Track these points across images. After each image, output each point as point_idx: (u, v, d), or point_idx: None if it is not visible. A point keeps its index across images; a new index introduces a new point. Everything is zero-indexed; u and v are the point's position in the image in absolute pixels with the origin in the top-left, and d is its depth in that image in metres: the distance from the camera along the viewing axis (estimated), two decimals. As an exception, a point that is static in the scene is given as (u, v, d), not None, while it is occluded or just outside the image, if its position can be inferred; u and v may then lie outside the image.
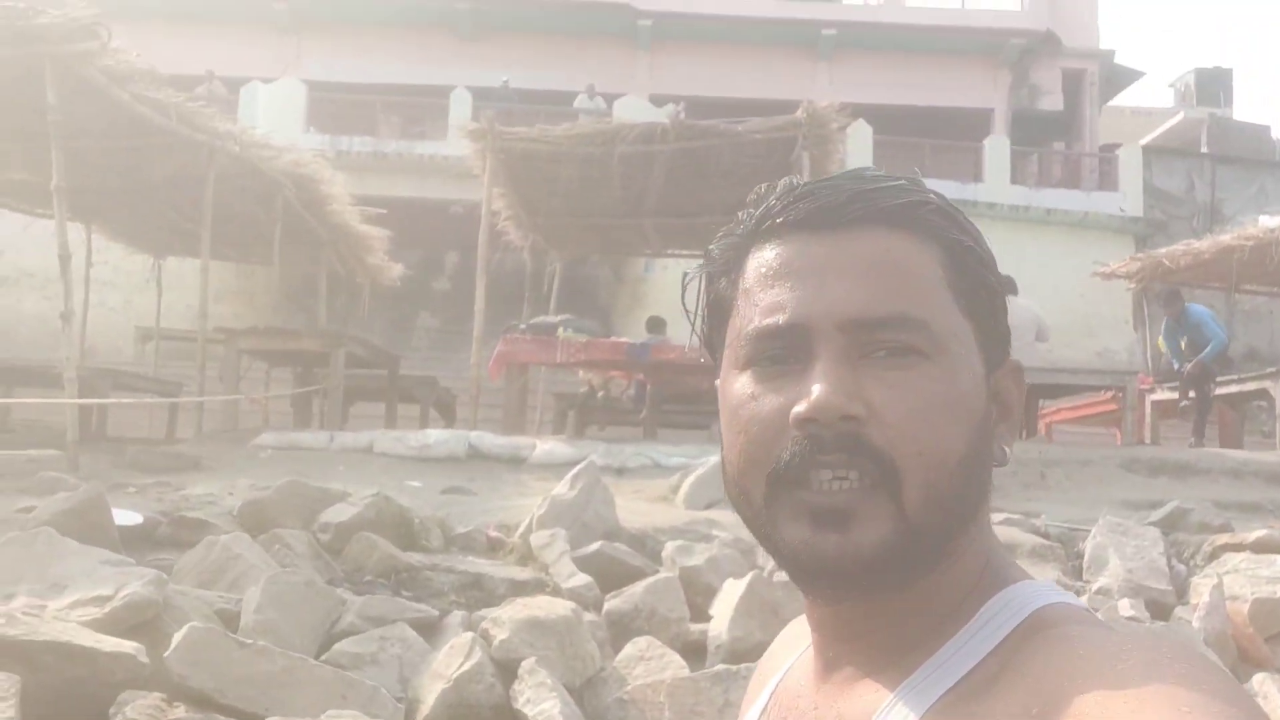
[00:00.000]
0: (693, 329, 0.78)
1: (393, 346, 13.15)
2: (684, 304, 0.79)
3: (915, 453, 0.66)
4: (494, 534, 5.44)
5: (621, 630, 4.43)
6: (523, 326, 9.58)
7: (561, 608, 4.24)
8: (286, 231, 10.61)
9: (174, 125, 8.49)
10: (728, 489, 0.73)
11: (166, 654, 3.59)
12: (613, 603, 4.55)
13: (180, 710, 3.49)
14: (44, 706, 3.40)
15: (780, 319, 0.69)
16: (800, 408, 0.66)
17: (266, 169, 9.88)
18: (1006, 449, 0.73)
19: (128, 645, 3.66)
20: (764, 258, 0.72)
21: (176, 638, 3.64)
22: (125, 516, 4.94)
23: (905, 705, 0.66)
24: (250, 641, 3.72)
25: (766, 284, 0.71)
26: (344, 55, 22.30)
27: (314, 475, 6.32)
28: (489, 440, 7.80)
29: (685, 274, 0.80)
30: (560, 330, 9.10)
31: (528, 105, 19.11)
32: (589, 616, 4.43)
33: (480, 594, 4.80)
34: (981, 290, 0.72)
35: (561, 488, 5.42)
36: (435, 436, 7.82)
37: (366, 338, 10.91)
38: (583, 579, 4.69)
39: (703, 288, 0.77)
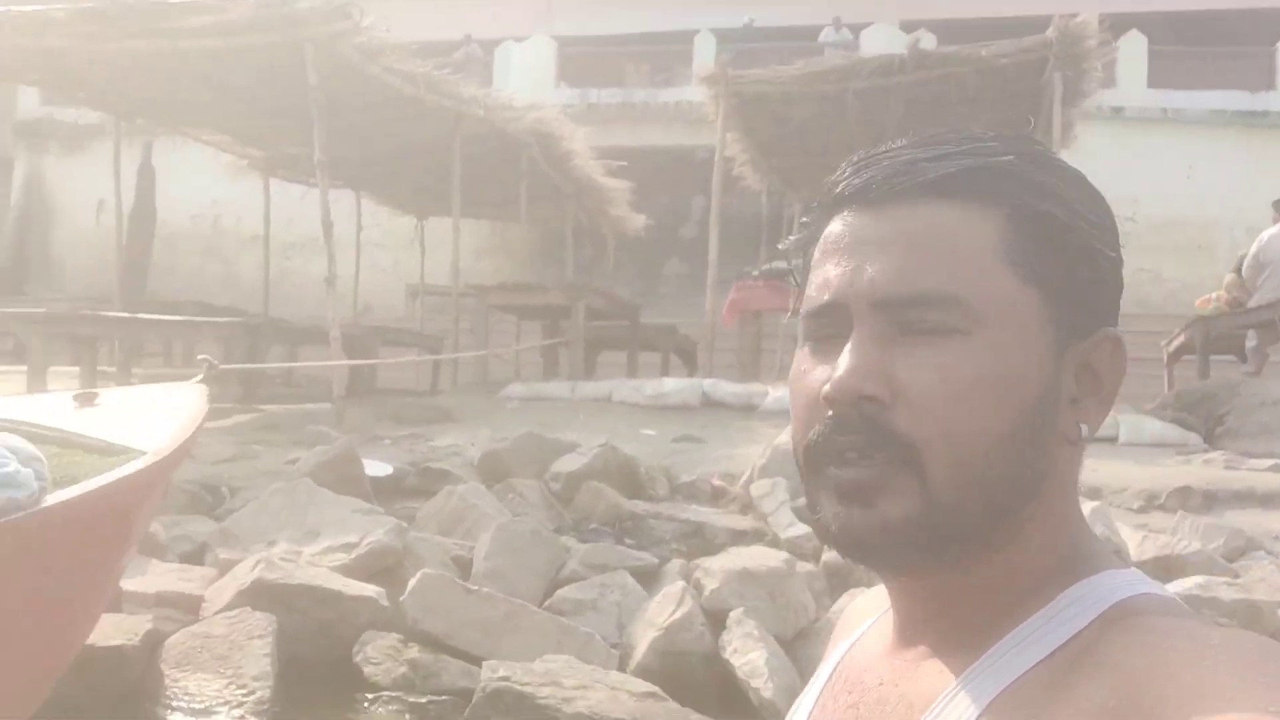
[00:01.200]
0: (793, 304, 0.78)
1: (641, 295, 13.46)
2: (793, 278, 0.80)
3: (940, 434, 0.65)
4: (717, 483, 5.52)
5: (840, 581, 4.41)
6: (756, 273, 9.56)
7: (773, 559, 4.27)
8: (533, 188, 11.02)
9: (422, 94, 8.99)
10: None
11: (402, 598, 3.89)
12: (831, 553, 4.53)
13: (414, 651, 3.79)
14: (297, 644, 3.78)
15: (825, 297, 0.70)
16: (825, 388, 0.67)
17: (511, 129, 10.29)
18: (1085, 425, 0.69)
19: (370, 589, 4.00)
20: (825, 233, 0.73)
21: (411, 583, 3.94)
22: (376, 468, 5.36)
23: (968, 692, 0.65)
24: (476, 588, 3.97)
25: (821, 261, 0.72)
26: (592, 7, 22.71)
27: (556, 425, 6.61)
28: (722, 388, 7.88)
29: (781, 248, 0.83)
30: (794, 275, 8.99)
31: (772, 43, 18.82)
32: (806, 567, 4.44)
33: (700, 542, 4.90)
34: (1057, 256, 0.68)
35: (784, 436, 5.42)
36: (670, 385, 7.98)
37: (608, 289, 11.21)
38: (801, 529, 4.69)
39: (803, 259, 0.78)
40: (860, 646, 0.80)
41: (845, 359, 0.67)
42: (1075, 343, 0.69)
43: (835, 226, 0.72)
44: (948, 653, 0.69)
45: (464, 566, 4.46)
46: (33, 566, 2.43)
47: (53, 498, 2.49)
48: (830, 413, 0.67)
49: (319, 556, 4.23)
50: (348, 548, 4.26)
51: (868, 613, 0.84)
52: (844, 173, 0.73)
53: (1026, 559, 0.68)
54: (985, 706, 0.63)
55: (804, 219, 0.77)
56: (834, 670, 0.80)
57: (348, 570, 4.14)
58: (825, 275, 0.71)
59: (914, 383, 0.66)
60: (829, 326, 0.70)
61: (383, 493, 5.27)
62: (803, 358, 0.72)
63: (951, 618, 0.70)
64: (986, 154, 0.69)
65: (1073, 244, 0.68)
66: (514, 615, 3.88)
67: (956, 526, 0.66)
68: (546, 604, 4.23)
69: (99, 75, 8.82)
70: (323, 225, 7.75)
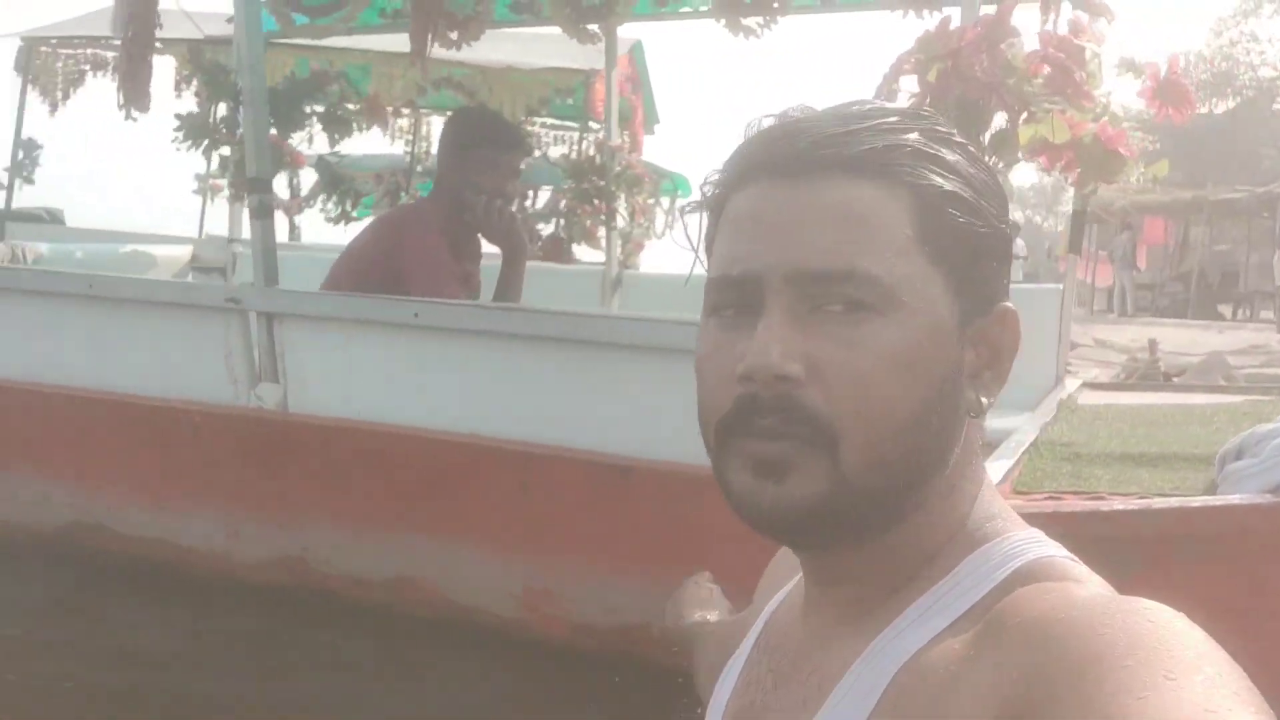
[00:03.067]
0: (694, 265, 0.79)
1: None
2: (686, 240, 0.79)
3: (854, 413, 0.65)
4: None
5: None
6: None
7: None
8: None
9: None
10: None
11: None
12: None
13: None
14: None
15: (735, 269, 0.70)
16: (739, 366, 0.67)
17: None
18: (985, 399, 0.71)
19: None
20: (733, 203, 0.72)
21: None
22: None
23: (875, 665, 0.67)
24: None
25: (729, 231, 0.72)
26: None
27: None
28: None
29: (679, 210, 0.80)
30: None
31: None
32: None
33: None
34: (960, 236, 0.69)
35: None
36: None
37: None
38: None
39: (702, 226, 0.78)
40: (784, 607, 0.82)
41: (761, 336, 0.66)
42: (977, 319, 0.70)
43: (744, 197, 0.71)
44: (856, 621, 0.71)
45: None
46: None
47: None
48: (742, 389, 0.67)
49: None
50: None
51: (790, 570, 0.84)
52: (756, 142, 0.72)
53: (930, 528, 0.70)
54: (891, 678, 0.65)
55: (706, 186, 0.77)
56: (763, 627, 0.83)
57: None
58: (734, 247, 0.70)
59: (830, 361, 0.66)
60: (737, 299, 0.70)
61: None
62: (709, 329, 0.72)
63: (857, 585, 0.72)
64: (894, 131, 0.69)
65: (976, 223, 0.69)
66: None
67: (863, 505, 0.67)
68: None
69: None
70: None
